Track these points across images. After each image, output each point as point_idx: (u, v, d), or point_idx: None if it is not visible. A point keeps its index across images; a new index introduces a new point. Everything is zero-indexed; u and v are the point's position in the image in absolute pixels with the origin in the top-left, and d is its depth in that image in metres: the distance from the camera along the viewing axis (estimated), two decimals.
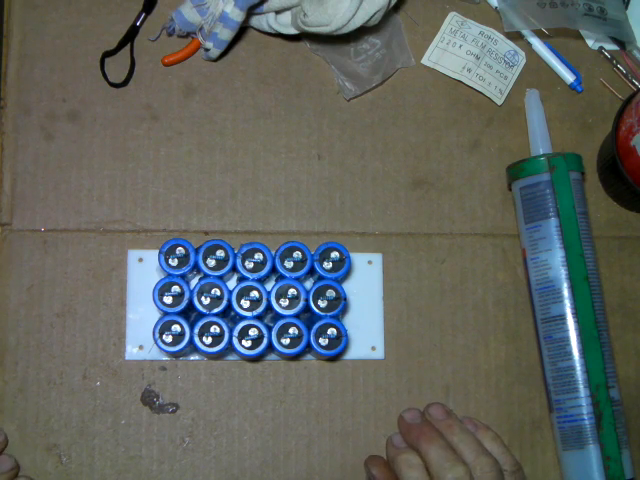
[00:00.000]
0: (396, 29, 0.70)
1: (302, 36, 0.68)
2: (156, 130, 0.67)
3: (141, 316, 0.65)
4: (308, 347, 0.61)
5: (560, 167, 0.65)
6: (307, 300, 0.61)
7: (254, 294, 0.61)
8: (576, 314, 0.64)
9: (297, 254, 0.62)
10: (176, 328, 0.60)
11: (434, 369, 0.67)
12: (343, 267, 0.62)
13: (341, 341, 0.61)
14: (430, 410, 0.63)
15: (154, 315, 0.63)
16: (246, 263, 0.62)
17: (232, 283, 0.63)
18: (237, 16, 0.63)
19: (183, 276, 0.61)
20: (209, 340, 0.61)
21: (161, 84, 0.68)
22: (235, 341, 0.61)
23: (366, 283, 0.67)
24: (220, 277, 0.61)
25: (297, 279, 0.62)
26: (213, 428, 0.65)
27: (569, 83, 0.71)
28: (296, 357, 0.65)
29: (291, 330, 0.61)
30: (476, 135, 0.70)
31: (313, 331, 0.61)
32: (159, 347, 0.60)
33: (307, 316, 0.64)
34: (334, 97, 0.69)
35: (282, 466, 0.65)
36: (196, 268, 0.62)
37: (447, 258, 0.69)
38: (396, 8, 0.69)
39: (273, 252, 0.62)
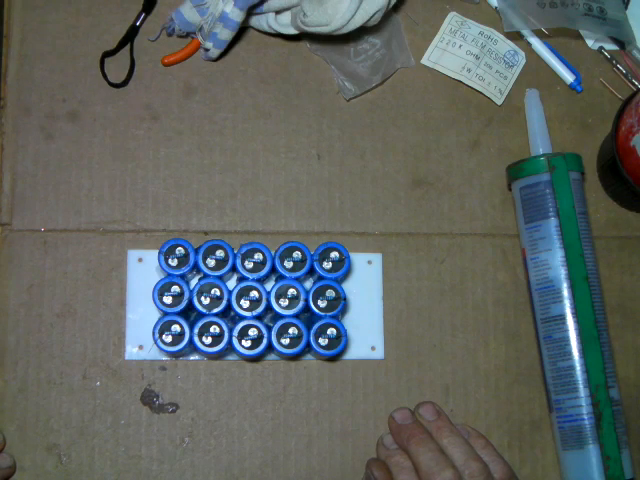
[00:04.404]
0: (396, 29, 0.70)
1: (302, 36, 0.68)
2: (156, 130, 0.67)
3: (141, 316, 0.65)
4: (308, 347, 0.62)
5: (560, 167, 0.65)
6: (307, 300, 0.61)
7: (254, 294, 0.61)
8: (576, 314, 0.64)
9: (297, 254, 0.62)
10: (176, 328, 0.61)
11: (434, 369, 0.67)
12: (343, 267, 0.62)
13: (341, 341, 0.61)
14: (420, 410, 0.63)
15: (154, 315, 0.63)
16: (246, 263, 0.62)
17: (232, 283, 0.63)
18: (237, 16, 0.63)
19: (183, 276, 0.61)
20: (209, 340, 0.61)
21: (161, 84, 0.68)
22: (235, 341, 0.61)
23: (366, 283, 0.67)
24: (220, 277, 0.61)
25: (297, 279, 0.62)
26: (213, 428, 0.65)
27: (569, 83, 0.71)
28: (296, 357, 0.65)
29: (291, 330, 0.61)
30: (476, 135, 0.70)
31: (313, 331, 0.61)
32: (159, 347, 0.61)
33: (307, 316, 0.64)
34: (334, 97, 0.69)
35: (282, 466, 0.65)
36: (196, 268, 0.62)
37: (447, 258, 0.69)
38: (396, 8, 0.69)
39: (273, 252, 0.62)
